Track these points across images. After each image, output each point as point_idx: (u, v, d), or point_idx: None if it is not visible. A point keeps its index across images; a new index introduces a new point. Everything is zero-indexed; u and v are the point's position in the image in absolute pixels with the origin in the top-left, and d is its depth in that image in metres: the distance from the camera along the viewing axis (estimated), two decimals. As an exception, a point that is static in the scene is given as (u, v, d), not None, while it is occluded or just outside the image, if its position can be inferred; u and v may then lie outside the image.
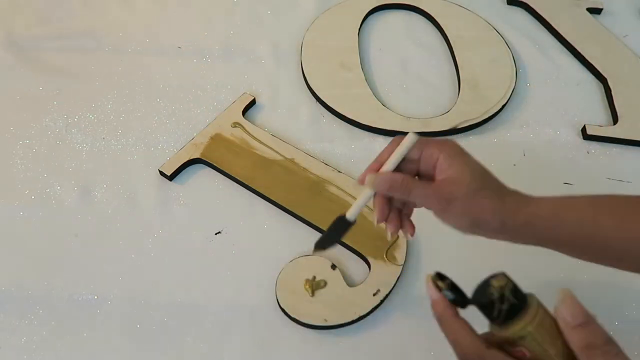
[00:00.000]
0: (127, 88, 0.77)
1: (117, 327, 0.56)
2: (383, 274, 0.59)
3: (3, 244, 0.61)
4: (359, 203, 0.44)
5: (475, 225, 0.42)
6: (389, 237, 0.47)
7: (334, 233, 0.47)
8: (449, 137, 0.44)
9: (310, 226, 0.63)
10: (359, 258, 0.61)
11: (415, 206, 0.47)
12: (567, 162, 0.72)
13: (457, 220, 0.42)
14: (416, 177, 0.45)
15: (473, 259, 0.62)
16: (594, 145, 0.74)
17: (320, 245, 0.48)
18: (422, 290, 0.60)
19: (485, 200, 0.41)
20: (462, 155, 0.43)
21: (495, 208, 0.41)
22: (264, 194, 0.65)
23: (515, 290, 0.36)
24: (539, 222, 0.41)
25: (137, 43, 0.83)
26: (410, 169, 0.44)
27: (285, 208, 0.64)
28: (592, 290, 0.60)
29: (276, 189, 0.65)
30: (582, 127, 0.76)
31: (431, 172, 0.43)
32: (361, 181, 0.44)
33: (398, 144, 0.43)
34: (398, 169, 0.43)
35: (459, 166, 0.41)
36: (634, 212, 0.40)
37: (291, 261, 0.60)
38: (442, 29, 0.87)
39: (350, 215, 0.45)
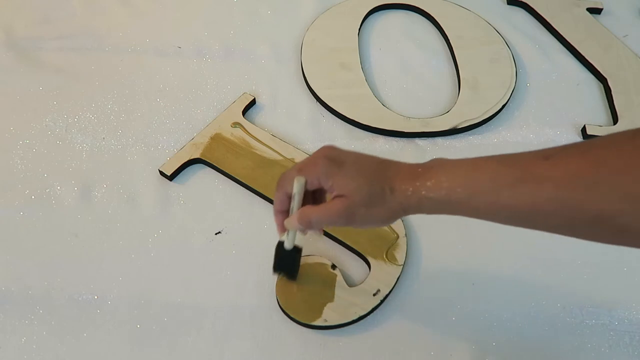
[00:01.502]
0: (127, 88, 0.77)
1: (117, 327, 0.56)
2: (383, 274, 0.59)
3: (3, 244, 0.61)
4: (290, 237, 0.51)
5: (383, 223, 0.45)
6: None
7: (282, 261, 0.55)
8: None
9: (310, 226, 0.63)
10: (359, 258, 0.61)
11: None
12: (567, 162, 0.72)
13: (364, 225, 0.45)
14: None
15: (473, 259, 0.62)
16: (594, 145, 0.74)
17: (293, 276, 0.57)
18: (422, 290, 0.60)
19: (377, 206, 0.43)
20: (339, 168, 0.44)
21: (388, 207, 0.43)
22: (264, 194, 0.65)
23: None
24: (427, 204, 0.42)
25: (137, 43, 0.83)
26: (311, 191, 0.47)
27: (285, 208, 0.64)
28: (593, 290, 0.61)
29: (276, 189, 0.65)
30: (582, 127, 0.76)
31: (322, 189, 0.46)
32: (281, 230, 0.51)
33: (282, 189, 0.47)
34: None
35: (340, 182, 0.43)
36: (508, 185, 0.38)
37: (291, 261, 0.60)
38: (442, 29, 0.87)
39: (287, 245, 0.52)
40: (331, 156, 0.44)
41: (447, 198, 0.40)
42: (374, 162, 0.44)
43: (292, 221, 0.47)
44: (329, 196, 0.47)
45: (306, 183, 0.45)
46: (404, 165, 0.44)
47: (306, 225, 0.46)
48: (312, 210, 0.45)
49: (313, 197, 0.49)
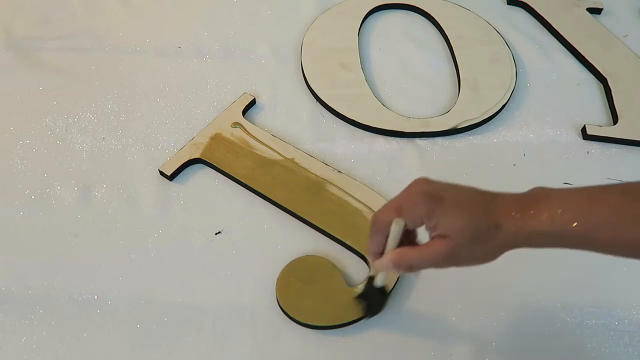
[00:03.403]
0: (127, 88, 0.77)
1: (117, 327, 0.56)
2: (383, 274, 0.59)
3: (3, 244, 0.61)
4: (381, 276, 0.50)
5: (487, 260, 0.42)
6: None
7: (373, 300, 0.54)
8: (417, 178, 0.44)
9: (310, 226, 0.63)
10: (359, 258, 0.61)
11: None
12: (567, 162, 0.72)
13: (468, 264, 0.42)
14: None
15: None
16: (594, 145, 0.74)
17: (371, 314, 0.55)
18: (422, 290, 0.60)
19: (483, 244, 0.40)
20: (440, 205, 0.41)
21: (495, 244, 0.40)
22: (264, 194, 0.65)
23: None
24: (539, 239, 0.39)
25: (137, 43, 0.83)
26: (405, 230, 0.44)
27: (285, 208, 0.64)
28: (593, 290, 0.61)
29: (276, 189, 0.65)
30: (582, 127, 0.76)
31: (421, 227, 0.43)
32: (374, 271, 0.49)
33: (377, 230, 0.44)
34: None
35: (444, 221, 0.40)
36: (634, 220, 0.37)
37: (291, 261, 0.60)
38: (442, 29, 0.87)
39: (378, 282, 0.51)
40: (429, 192, 0.41)
41: (562, 233, 0.38)
42: (474, 195, 0.42)
43: (383, 263, 0.45)
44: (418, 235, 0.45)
45: (405, 225, 0.42)
46: (508, 197, 0.41)
47: (405, 270, 0.44)
48: (412, 254, 0.43)
49: (406, 234, 0.45)
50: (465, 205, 0.41)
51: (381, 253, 0.45)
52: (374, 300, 0.53)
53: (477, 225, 0.40)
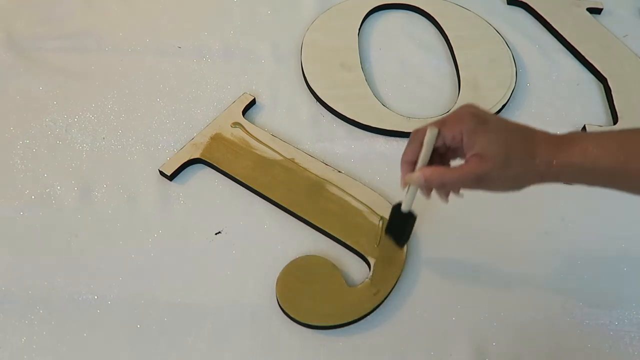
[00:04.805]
0: (127, 88, 0.77)
1: (117, 327, 0.56)
2: (383, 274, 0.59)
3: (3, 244, 0.61)
4: (409, 197, 0.51)
5: (515, 188, 0.44)
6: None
7: (401, 227, 0.56)
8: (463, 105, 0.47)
9: (310, 226, 0.63)
10: (359, 258, 0.61)
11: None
12: (567, 162, 0.72)
13: (497, 189, 0.45)
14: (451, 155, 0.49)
15: (473, 259, 0.62)
16: (594, 145, 0.74)
17: (401, 243, 0.58)
18: (422, 290, 0.60)
19: (516, 169, 0.43)
20: (483, 126, 0.43)
21: (527, 173, 0.43)
22: (264, 194, 0.65)
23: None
24: (571, 171, 0.42)
25: (137, 43, 0.83)
26: (439, 152, 0.47)
27: (285, 208, 0.64)
28: (593, 290, 0.61)
29: (276, 189, 0.65)
30: (582, 127, 0.76)
31: (460, 147, 0.45)
32: (404, 183, 0.49)
33: (416, 139, 0.46)
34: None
35: (483, 141, 0.43)
36: None
37: (291, 261, 0.60)
38: (442, 29, 0.87)
39: (404, 207, 0.52)
40: (476, 113, 0.44)
41: (593, 166, 0.41)
42: (516, 126, 0.44)
43: (414, 177, 0.46)
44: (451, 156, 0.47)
45: (441, 136, 0.44)
46: (545, 133, 0.44)
47: (437, 186, 0.46)
48: (446, 171, 0.45)
49: (440, 157, 0.48)
50: (505, 132, 0.43)
51: (414, 162, 0.47)
52: (402, 228, 0.55)
53: (512, 151, 0.43)
